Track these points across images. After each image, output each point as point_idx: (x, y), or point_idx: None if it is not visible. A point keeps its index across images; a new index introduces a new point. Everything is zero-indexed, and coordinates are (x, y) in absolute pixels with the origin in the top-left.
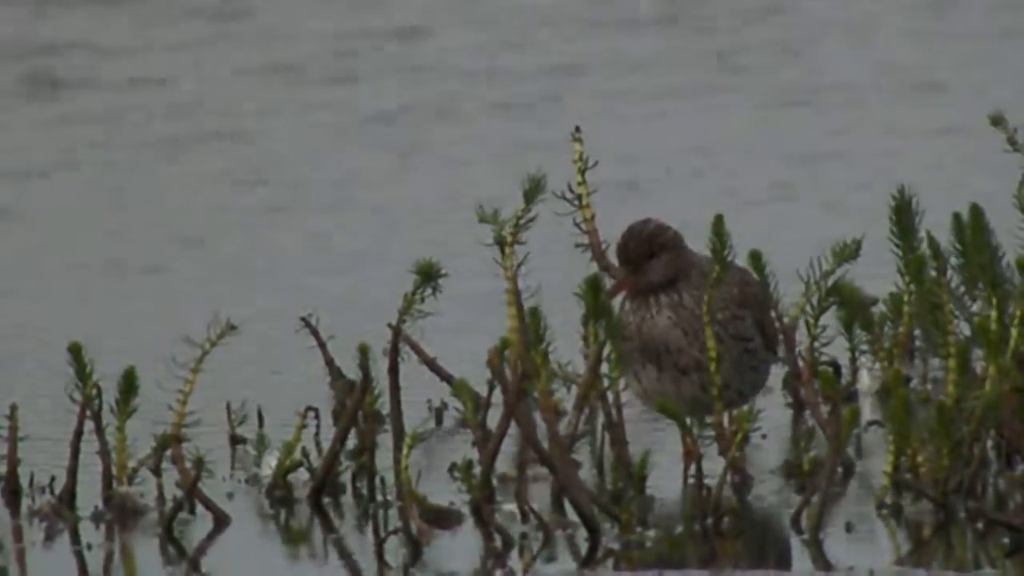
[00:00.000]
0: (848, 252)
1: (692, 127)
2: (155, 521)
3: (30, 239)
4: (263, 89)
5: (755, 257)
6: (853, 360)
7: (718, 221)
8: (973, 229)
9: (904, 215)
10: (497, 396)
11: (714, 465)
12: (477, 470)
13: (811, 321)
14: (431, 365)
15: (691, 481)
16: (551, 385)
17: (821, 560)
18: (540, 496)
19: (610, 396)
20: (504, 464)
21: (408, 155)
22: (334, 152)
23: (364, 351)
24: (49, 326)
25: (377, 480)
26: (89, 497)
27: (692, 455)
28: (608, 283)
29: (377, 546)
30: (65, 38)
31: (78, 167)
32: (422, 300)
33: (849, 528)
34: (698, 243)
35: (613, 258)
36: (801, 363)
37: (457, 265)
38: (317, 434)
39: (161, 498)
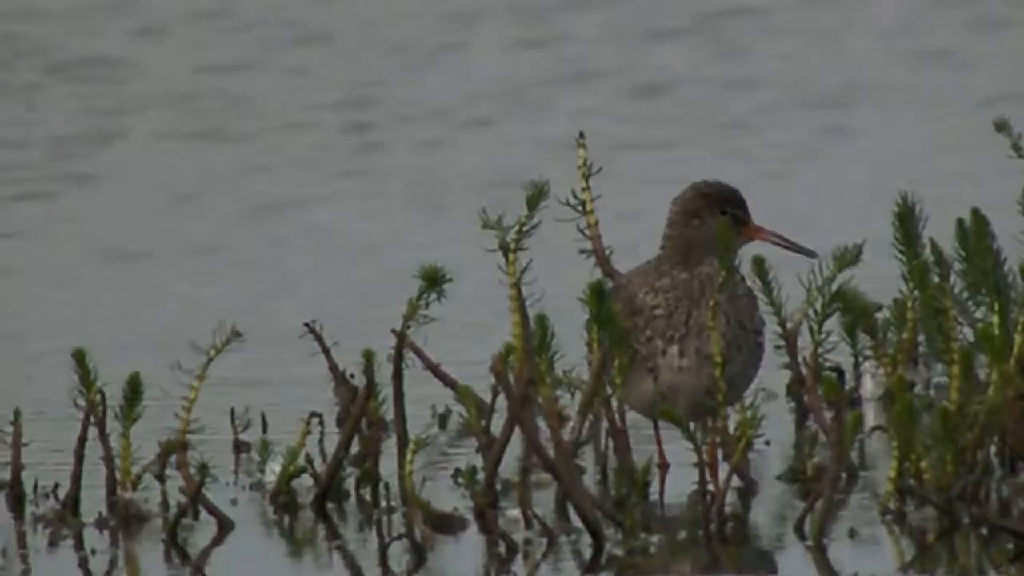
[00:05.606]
0: (849, 257)
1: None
2: (159, 527)
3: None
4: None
5: (757, 263)
6: (856, 366)
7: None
8: (976, 235)
9: (907, 221)
10: (501, 402)
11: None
12: (481, 476)
13: (815, 327)
14: (435, 371)
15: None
16: (555, 391)
17: (825, 567)
18: (544, 502)
19: (614, 402)
20: (508, 470)
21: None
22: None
23: (368, 357)
24: (52, 329)
25: (381, 486)
26: (93, 503)
27: (666, 467)
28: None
29: (381, 552)
30: None
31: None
32: (426, 306)
33: (853, 534)
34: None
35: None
36: (805, 369)
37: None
38: (321, 440)
39: (165, 504)
